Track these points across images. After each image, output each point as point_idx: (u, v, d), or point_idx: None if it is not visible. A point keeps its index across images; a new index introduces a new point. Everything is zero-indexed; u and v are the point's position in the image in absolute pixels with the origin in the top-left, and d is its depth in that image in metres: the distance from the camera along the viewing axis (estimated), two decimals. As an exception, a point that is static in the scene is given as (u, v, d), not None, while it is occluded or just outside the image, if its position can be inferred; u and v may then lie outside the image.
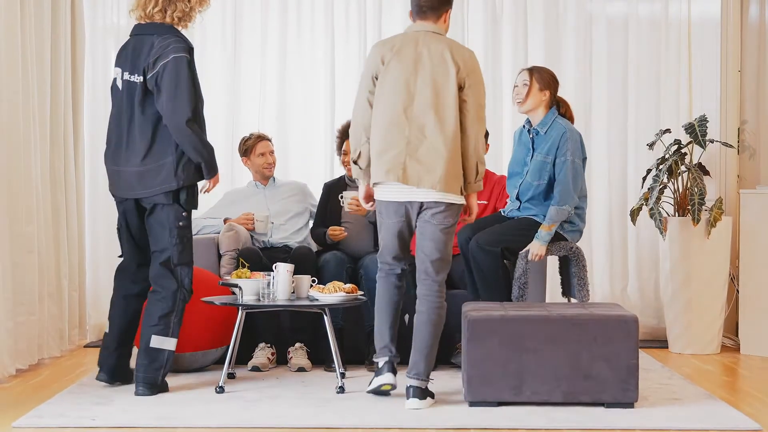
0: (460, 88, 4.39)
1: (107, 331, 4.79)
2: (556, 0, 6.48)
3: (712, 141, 5.95)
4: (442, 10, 4.49)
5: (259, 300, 4.71)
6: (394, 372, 4.47)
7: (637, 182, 6.37)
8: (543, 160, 5.07)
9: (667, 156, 5.94)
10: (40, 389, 4.76)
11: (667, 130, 6.05)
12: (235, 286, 4.72)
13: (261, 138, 5.83)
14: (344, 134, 5.59)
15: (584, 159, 5.14)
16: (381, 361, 4.50)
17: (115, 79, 4.69)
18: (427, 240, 4.44)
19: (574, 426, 3.98)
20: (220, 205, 5.89)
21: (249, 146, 5.84)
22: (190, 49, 4.58)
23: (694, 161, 6.04)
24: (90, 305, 6.34)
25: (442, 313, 4.47)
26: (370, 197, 4.61)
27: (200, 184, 4.73)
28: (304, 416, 4.13)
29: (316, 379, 4.96)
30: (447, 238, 4.45)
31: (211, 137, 6.40)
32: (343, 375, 4.71)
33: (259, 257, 5.34)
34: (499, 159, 6.34)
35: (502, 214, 5.29)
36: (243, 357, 5.22)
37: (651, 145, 6.05)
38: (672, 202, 6.03)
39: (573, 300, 5.25)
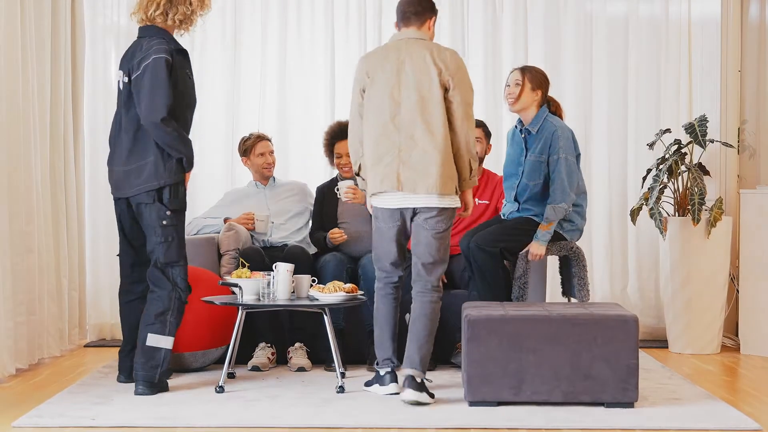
0: (446, 89, 4.46)
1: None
2: (556, 0, 6.48)
3: (712, 141, 5.95)
4: (426, 16, 4.57)
5: (259, 300, 4.71)
6: (397, 381, 4.55)
7: (637, 182, 6.37)
8: (537, 160, 5.08)
9: (667, 156, 5.94)
10: (40, 389, 4.76)
11: (667, 130, 6.05)
12: (235, 285, 4.72)
13: (260, 138, 5.83)
14: (334, 136, 5.57)
15: (578, 155, 5.14)
16: (383, 371, 4.57)
17: (118, 81, 4.76)
18: (421, 245, 4.52)
19: (574, 426, 3.98)
20: (220, 205, 5.89)
21: (248, 146, 5.84)
22: (174, 51, 4.62)
23: (694, 161, 6.04)
24: (90, 305, 6.34)
25: (437, 307, 4.53)
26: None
27: None
28: (304, 416, 4.13)
29: (316, 379, 4.96)
30: (440, 243, 4.52)
31: (211, 137, 6.48)
32: (343, 375, 4.71)
33: (261, 257, 5.34)
34: (500, 160, 6.32)
35: (502, 216, 5.28)
36: (243, 357, 5.22)
37: (651, 145, 6.05)
38: (672, 202, 6.03)
39: (573, 300, 5.25)
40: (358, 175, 4.65)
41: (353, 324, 5.31)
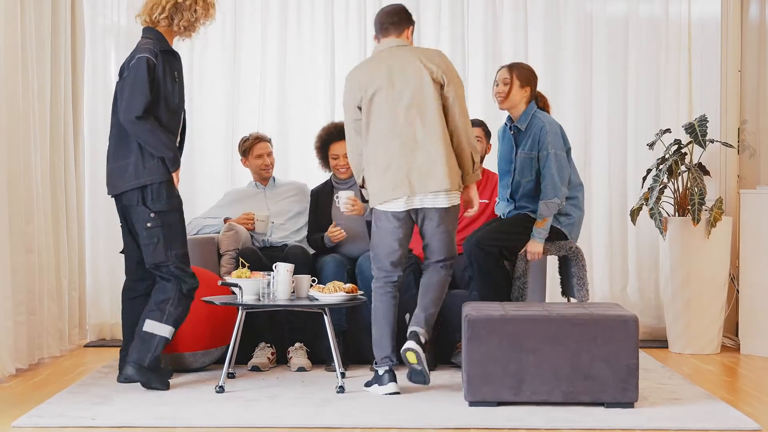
0: (441, 86, 4.57)
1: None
2: (556, 0, 6.47)
3: (712, 141, 5.95)
4: (404, 26, 4.68)
5: (259, 300, 4.71)
6: (395, 380, 4.57)
7: (637, 182, 6.37)
8: (527, 157, 5.09)
9: (667, 156, 5.94)
10: (40, 389, 4.76)
11: (667, 130, 6.05)
12: (235, 285, 4.72)
13: (258, 139, 5.82)
14: (330, 136, 5.54)
15: (568, 149, 5.14)
16: (381, 369, 4.59)
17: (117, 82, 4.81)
18: (432, 243, 4.65)
19: (574, 426, 3.98)
20: (220, 205, 5.89)
21: (247, 147, 5.84)
22: (160, 52, 4.66)
23: (694, 161, 6.03)
24: (90, 305, 6.34)
25: (445, 280, 4.71)
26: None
27: None
28: (304, 416, 4.13)
29: (316, 379, 4.96)
30: (449, 238, 4.66)
31: (211, 137, 6.47)
32: (343, 375, 4.71)
33: (258, 257, 5.34)
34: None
35: (502, 217, 5.28)
36: (243, 357, 5.22)
37: (651, 145, 6.05)
38: (672, 202, 6.03)
39: (572, 300, 5.25)
40: (363, 187, 4.72)
41: (353, 324, 5.31)
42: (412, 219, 4.63)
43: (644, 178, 6.05)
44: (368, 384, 4.67)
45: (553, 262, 5.69)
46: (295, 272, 4.87)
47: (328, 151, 5.57)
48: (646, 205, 5.89)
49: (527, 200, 5.14)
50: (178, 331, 4.92)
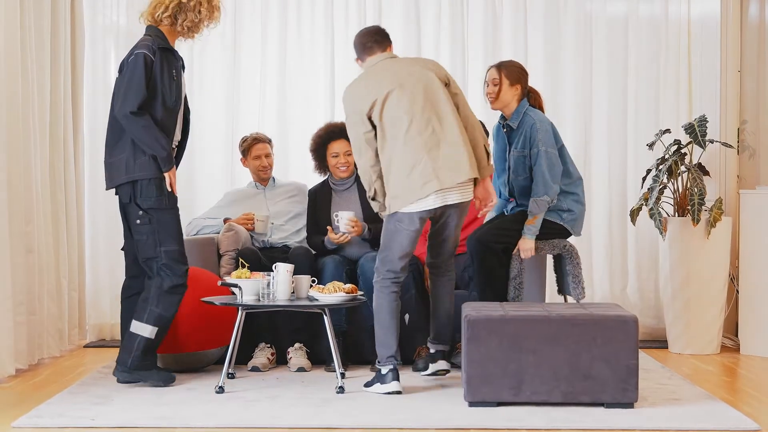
0: (446, 85, 4.67)
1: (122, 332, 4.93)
2: (556, 0, 6.48)
3: (711, 141, 5.95)
4: (386, 43, 4.79)
5: (259, 300, 4.71)
6: (398, 379, 4.58)
7: (636, 182, 6.37)
8: (520, 155, 5.10)
9: (666, 156, 5.94)
10: (40, 389, 4.76)
11: (667, 130, 6.05)
12: (235, 286, 4.71)
13: (257, 140, 5.81)
14: (330, 135, 5.53)
15: (561, 146, 5.15)
16: (385, 369, 4.59)
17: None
18: (450, 238, 4.78)
19: (573, 426, 3.98)
20: (220, 205, 5.88)
21: (246, 148, 5.83)
22: (158, 49, 4.67)
23: (694, 161, 6.04)
24: (90, 305, 6.34)
25: (453, 286, 4.97)
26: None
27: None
28: (303, 416, 4.13)
29: (316, 379, 4.96)
30: (459, 233, 4.81)
31: (211, 137, 6.47)
32: (342, 375, 4.71)
33: (258, 257, 5.33)
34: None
35: (505, 213, 5.29)
36: (243, 357, 5.22)
37: (651, 145, 6.05)
38: (672, 202, 6.03)
39: (569, 297, 5.26)
40: (374, 199, 4.72)
41: (353, 325, 5.31)
42: (432, 218, 4.70)
43: (644, 179, 6.05)
44: (368, 384, 4.67)
45: (548, 261, 5.68)
46: (299, 273, 4.88)
47: (326, 151, 5.55)
48: (646, 205, 5.89)
49: (524, 197, 5.16)
50: (178, 332, 4.93)
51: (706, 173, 6.02)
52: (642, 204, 5.96)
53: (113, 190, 4.78)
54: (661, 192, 5.85)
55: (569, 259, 5.17)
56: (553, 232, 5.14)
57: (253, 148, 5.80)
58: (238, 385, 4.78)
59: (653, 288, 6.47)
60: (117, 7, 6.43)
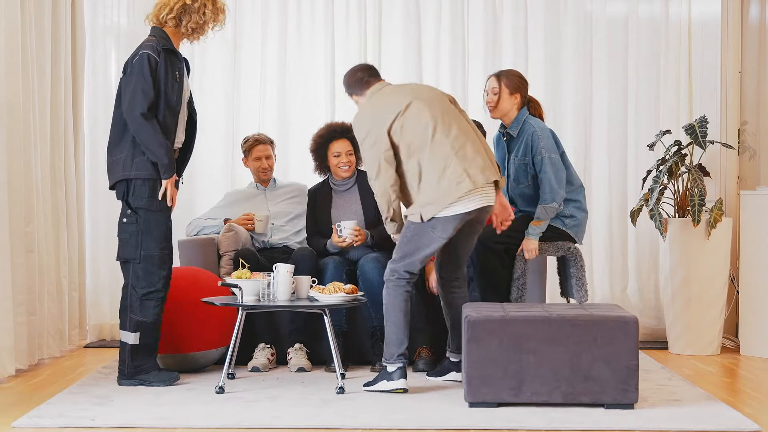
0: (451, 102, 4.76)
1: None
2: (556, 0, 6.48)
3: (712, 142, 5.95)
4: (379, 77, 4.82)
5: (259, 300, 4.71)
6: (405, 377, 4.60)
7: (637, 183, 6.37)
8: (521, 163, 5.12)
9: (667, 157, 5.94)
10: (40, 389, 4.76)
11: (668, 131, 6.05)
12: (235, 286, 4.71)
13: (258, 141, 5.80)
14: (332, 134, 5.52)
15: (562, 152, 5.16)
16: (394, 366, 4.60)
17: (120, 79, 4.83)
18: (470, 242, 4.77)
19: (574, 427, 3.98)
20: (220, 206, 5.88)
21: (247, 148, 5.83)
22: (163, 50, 4.67)
23: (695, 162, 6.04)
24: (90, 305, 6.34)
25: None
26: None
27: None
28: (304, 416, 4.13)
29: (316, 379, 4.95)
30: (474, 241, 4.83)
31: (211, 138, 6.47)
32: (343, 375, 4.71)
33: (256, 258, 5.32)
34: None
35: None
36: (243, 357, 5.22)
37: (651, 146, 6.05)
38: (672, 203, 6.03)
39: (572, 300, 5.26)
40: (393, 220, 4.68)
41: (353, 325, 5.31)
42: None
43: (644, 179, 6.05)
44: (370, 383, 4.67)
45: (552, 263, 5.69)
46: (303, 275, 4.88)
47: (327, 152, 5.54)
48: (646, 206, 5.89)
49: (525, 204, 5.16)
50: (178, 332, 4.93)
51: (707, 174, 6.02)
52: (642, 205, 5.96)
53: (114, 189, 4.78)
54: (661, 193, 5.85)
55: (573, 262, 5.18)
56: (555, 236, 5.15)
57: (254, 150, 5.80)
58: (239, 386, 4.77)
59: (653, 289, 6.47)
60: (117, 8, 6.43)
